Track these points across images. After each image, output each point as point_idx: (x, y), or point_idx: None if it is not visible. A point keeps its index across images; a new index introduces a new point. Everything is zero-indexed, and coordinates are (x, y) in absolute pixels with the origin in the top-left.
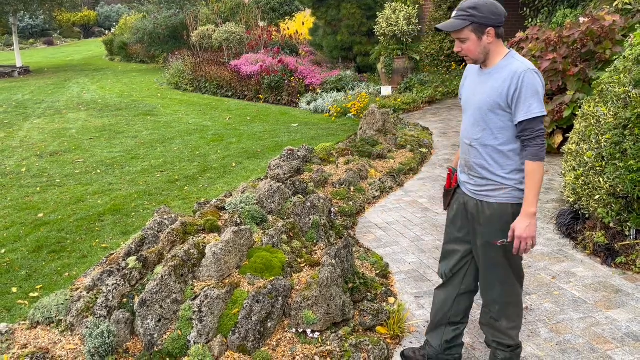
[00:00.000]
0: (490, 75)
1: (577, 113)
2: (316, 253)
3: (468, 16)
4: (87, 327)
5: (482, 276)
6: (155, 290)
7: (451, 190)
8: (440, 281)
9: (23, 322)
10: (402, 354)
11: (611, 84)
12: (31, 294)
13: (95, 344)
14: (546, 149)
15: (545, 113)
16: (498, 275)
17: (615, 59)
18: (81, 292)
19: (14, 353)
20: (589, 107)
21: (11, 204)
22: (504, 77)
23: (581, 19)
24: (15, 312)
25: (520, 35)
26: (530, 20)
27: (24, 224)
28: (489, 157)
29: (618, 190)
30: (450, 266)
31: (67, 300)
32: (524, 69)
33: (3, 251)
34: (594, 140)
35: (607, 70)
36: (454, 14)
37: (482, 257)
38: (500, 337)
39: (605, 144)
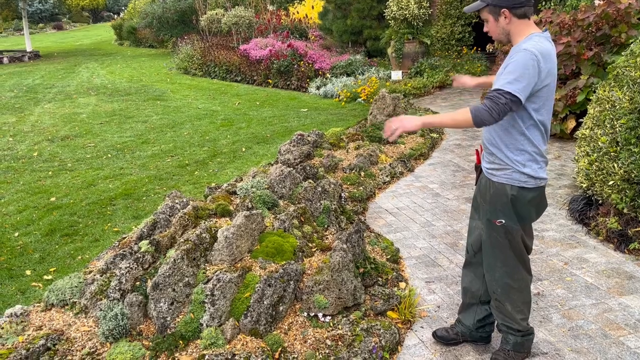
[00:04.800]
0: (508, 55)
1: (590, 98)
2: (327, 238)
3: None
4: (100, 310)
5: (485, 255)
6: (167, 274)
7: (478, 167)
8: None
9: (38, 304)
10: (435, 334)
11: (627, 68)
12: (45, 277)
13: (109, 326)
14: (558, 134)
15: (514, 92)
16: (499, 256)
17: (631, 42)
18: (94, 275)
19: (29, 335)
20: (604, 91)
21: (24, 187)
22: (510, 55)
23: (596, 2)
24: (29, 295)
25: (533, 18)
26: (543, 3)
27: (37, 207)
28: (495, 133)
29: (633, 175)
30: (473, 243)
31: (80, 283)
32: (522, 48)
33: (16, 234)
34: (608, 125)
35: (622, 54)
36: None
37: (484, 235)
38: (508, 322)
39: (620, 129)
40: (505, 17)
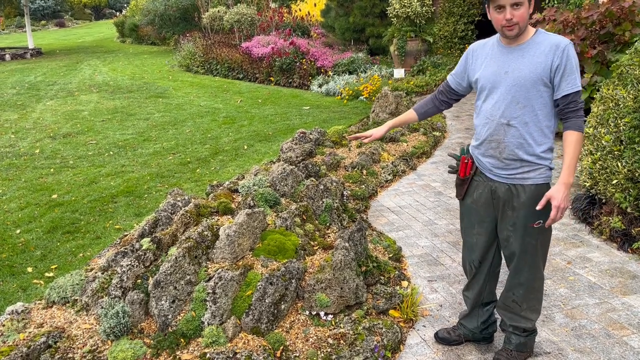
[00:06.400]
0: (526, 50)
1: (594, 96)
2: (329, 236)
3: None
4: (102, 307)
5: (513, 261)
6: (169, 272)
7: (467, 179)
8: (463, 275)
9: (39, 302)
10: (437, 336)
11: (631, 67)
12: (46, 274)
13: (110, 324)
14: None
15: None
16: (529, 260)
17: (635, 40)
18: (96, 272)
19: (30, 332)
20: (608, 89)
21: (25, 184)
22: (545, 51)
23: (600, 0)
24: (30, 292)
25: (537, 16)
26: (547, 1)
27: (39, 204)
28: (529, 135)
29: (636, 174)
30: (478, 256)
31: (82, 280)
32: (567, 42)
33: (18, 231)
34: (612, 124)
35: (626, 52)
36: None
37: (516, 242)
38: (518, 321)
39: (624, 127)
40: (530, 4)
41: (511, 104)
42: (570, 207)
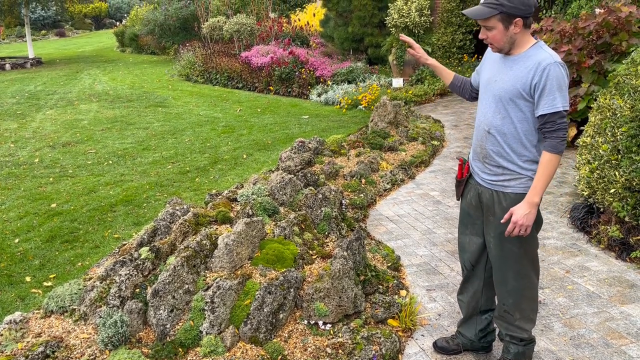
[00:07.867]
0: (515, 63)
1: (591, 105)
2: (328, 245)
3: (497, 5)
4: (100, 317)
5: (496, 268)
6: (167, 281)
7: (463, 181)
8: (458, 279)
9: (37, 311)
10: (435, 345)
11: (628, 76)
12: (45, 283)
13: (108, 334)
14: None
15: (568, 108)
16: (513, 267)
17: (632, 50)
18: (94, 281)
19: (28, 342)
20: (605, 99)
21: (25, 194)
22: (529, 67)
23: (597, 10)
24: (29, 301)
25: (534, 26)
26: (544, 11)
27: (37, 214)
28: (507, 145)
29: (634, 183)
30: (470, 258)
31: (80, 289)
32: (551, 61)
33: (17, 240)
34: (609, 133)
35: (623, 62)
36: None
37: (496, 248)
38: (513, 331)
39: (621, 136)
40: (515, 26)
41: (494, 113)
42: (569, 216)
